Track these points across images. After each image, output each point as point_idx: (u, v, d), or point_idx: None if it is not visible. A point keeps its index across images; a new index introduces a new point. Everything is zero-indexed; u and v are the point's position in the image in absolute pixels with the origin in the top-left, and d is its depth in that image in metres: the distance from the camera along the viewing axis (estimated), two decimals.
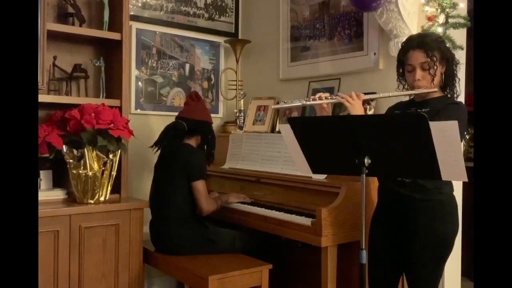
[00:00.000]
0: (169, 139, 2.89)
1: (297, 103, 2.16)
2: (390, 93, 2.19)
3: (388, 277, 2.16)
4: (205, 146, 2.95)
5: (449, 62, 2.07)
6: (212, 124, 3.02)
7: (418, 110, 2.05)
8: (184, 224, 2.74)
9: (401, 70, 2.15)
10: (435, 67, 2.01)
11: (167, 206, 2.76)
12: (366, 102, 2.66)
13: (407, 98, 2.27)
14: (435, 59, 2.01)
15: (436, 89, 2.06)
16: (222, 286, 2.45)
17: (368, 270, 2.13)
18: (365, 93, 2.18)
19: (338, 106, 2.88)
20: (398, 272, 2.18)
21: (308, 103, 2.15)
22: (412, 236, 2.03)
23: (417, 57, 2.02)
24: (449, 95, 2.10)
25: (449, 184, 2.06)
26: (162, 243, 2.81)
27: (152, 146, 2.93)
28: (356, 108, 2.07)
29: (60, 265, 2.53)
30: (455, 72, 2.10)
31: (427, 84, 2.04)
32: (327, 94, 2.18)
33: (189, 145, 2.87)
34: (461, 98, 2.59)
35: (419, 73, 2.03)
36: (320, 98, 2.14)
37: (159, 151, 2.94)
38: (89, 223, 2.62)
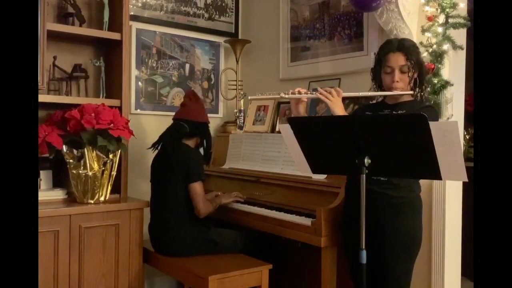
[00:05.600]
0: (168, 140, 2.88)
1: (275, 95, 2.21)
2: (369, 92, 2.26)
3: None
4: (204, 146, 2.95)
5: (421, 68, 2.16)
6: (209, 124, 3.01)
7: (393, 112, 2.12)
8: (185, 226, 2.73)
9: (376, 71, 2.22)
10: (413, 71, 2.10)
11: (167, 209, 2.75)
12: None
13: (380, 98, 2.33)
14: (413, 63, 2.10)
15: (412, 92, 2.14)
16: (222, 286, 2.45)
17: (348, 265, 2.26)
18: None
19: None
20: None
21: (286, 96, 2.17)
22: (382, 231, 2.07)
23: (398, 59, 2.10)
24: (418, 99, 2.18)
25: (418, 184, 2.16)
26: (163, 247, 2.78)
27: (151, 148, 2.93)
28: (336, 105, 2.11)
29: (60, 265, 2.54)
30: (425, 78, 2.20)
31: (403, 87, 2.12)
32: (305, 90, 2.23)
33: (188, 145, 2.86)
34: (461, 99, 2.61)
35: (398, 75, 2.11)
36: (299, 93, 2.17)
37: (156, 151, 2.94)
38: (89, 223, 2.63)
